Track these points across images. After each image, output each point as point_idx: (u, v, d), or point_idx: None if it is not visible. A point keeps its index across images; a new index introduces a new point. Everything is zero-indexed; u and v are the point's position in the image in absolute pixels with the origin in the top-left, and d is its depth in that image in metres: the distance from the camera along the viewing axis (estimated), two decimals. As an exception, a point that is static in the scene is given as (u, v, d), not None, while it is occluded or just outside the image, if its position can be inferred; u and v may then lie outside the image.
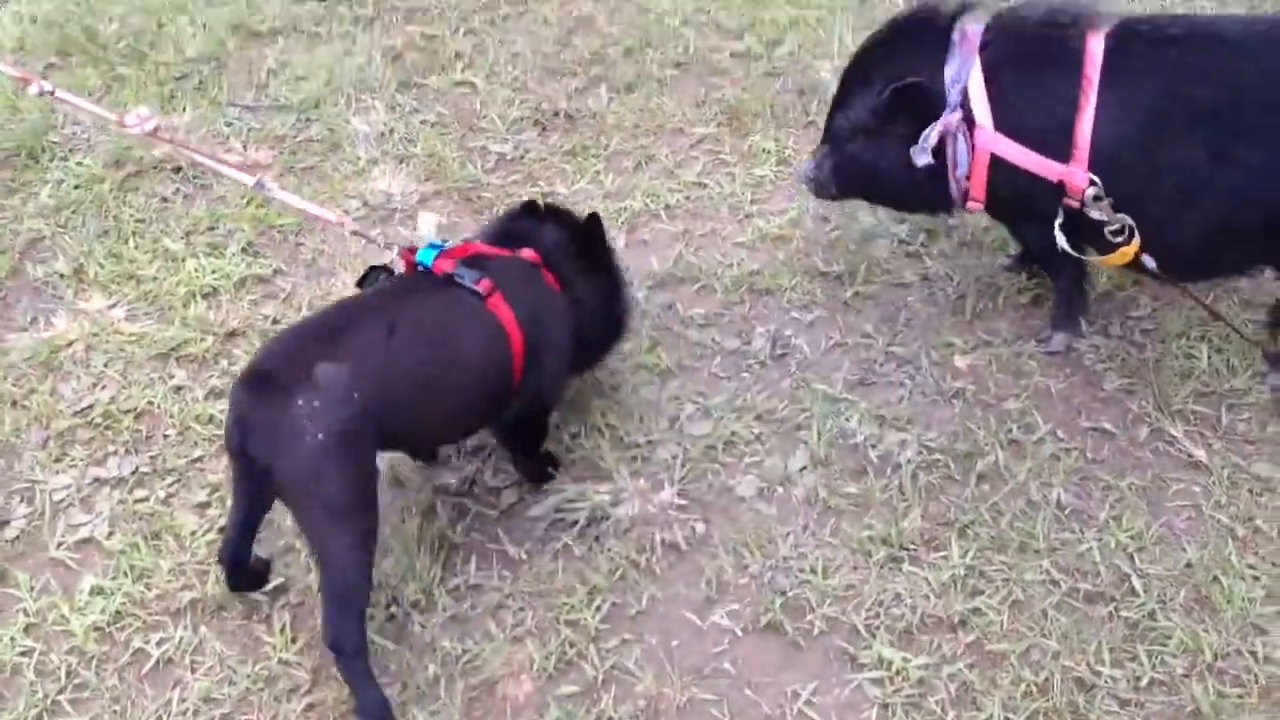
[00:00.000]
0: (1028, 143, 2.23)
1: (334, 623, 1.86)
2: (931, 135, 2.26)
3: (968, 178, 2.31)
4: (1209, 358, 2.48)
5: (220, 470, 2.32)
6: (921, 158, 2.27)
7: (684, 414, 2.41)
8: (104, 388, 2.49)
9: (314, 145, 3.15)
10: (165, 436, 2.40)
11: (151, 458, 2.36)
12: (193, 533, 2.21)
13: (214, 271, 2.75)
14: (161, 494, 2.29)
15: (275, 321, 2.61)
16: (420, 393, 1.96)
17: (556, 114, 3.21)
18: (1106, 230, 2.21)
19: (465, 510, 2.25)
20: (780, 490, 2.27)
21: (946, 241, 2.77)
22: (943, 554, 2.15)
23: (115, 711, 1.96)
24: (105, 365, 2.54)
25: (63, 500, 2.29)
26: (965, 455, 2.31)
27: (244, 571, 2.06)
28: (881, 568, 2.13)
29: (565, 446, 2.35)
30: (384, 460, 2.29)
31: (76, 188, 3.00)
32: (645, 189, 2.94)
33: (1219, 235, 2.23)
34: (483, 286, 2.03)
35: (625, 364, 2.51)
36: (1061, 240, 2.25)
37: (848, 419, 2.38)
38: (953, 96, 2.26)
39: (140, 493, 2.30)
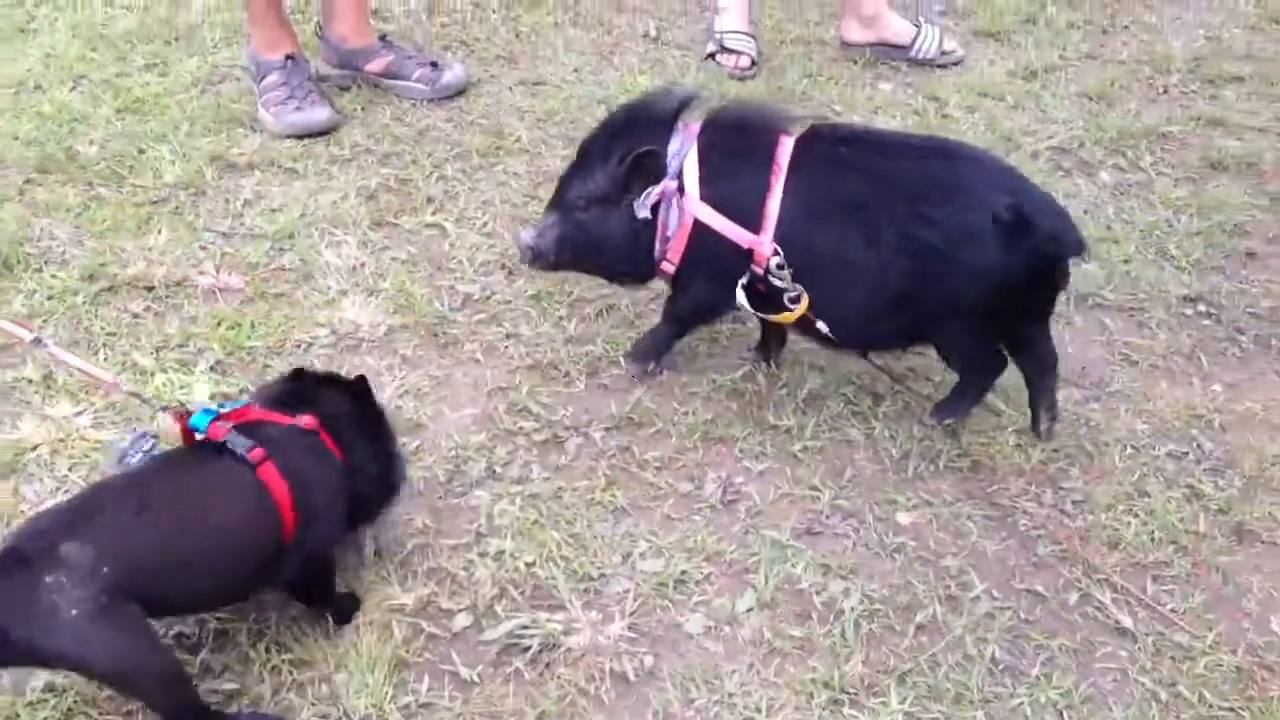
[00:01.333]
0: (726, 214, 2.62)
1: None
2: (654, 194, 2.63)
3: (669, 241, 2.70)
4: (1135, 530, 2.61)
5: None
6: (641, 211, 2.64)
7: (637, 550, 2.48)
8: (66, 491, 2.52)
9: (286, 274, 3.24)
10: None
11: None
12: (148, 638, 2.23)
13: (181, 387, 2.80)
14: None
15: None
16: (175, 565, 1.96)
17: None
18: (785, 296, 2.62)
19: (420, 630, 2.30)
20: (727, 629, 2.34)
21: (890, 405, 2.90)
22: (882, 700, 2.22)
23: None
24: (69, 470, 2.57)
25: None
26: (905, 607, 2.41)
27: None
28: (824, 710, 2.20)
29: (521, 575, 2.41)
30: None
31: (50, 298, 3.06)
32: (606, 336, 3.07)
33: (873, 310, 2.62)
34: (254, 456, 2.05)
35: (581, 500, 2.59)
36: (741, 298, 2.67)
37: (794, 565, 2.47)
38: (672, 168, 2.65)
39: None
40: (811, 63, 4.59)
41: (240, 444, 2.05)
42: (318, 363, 2.87)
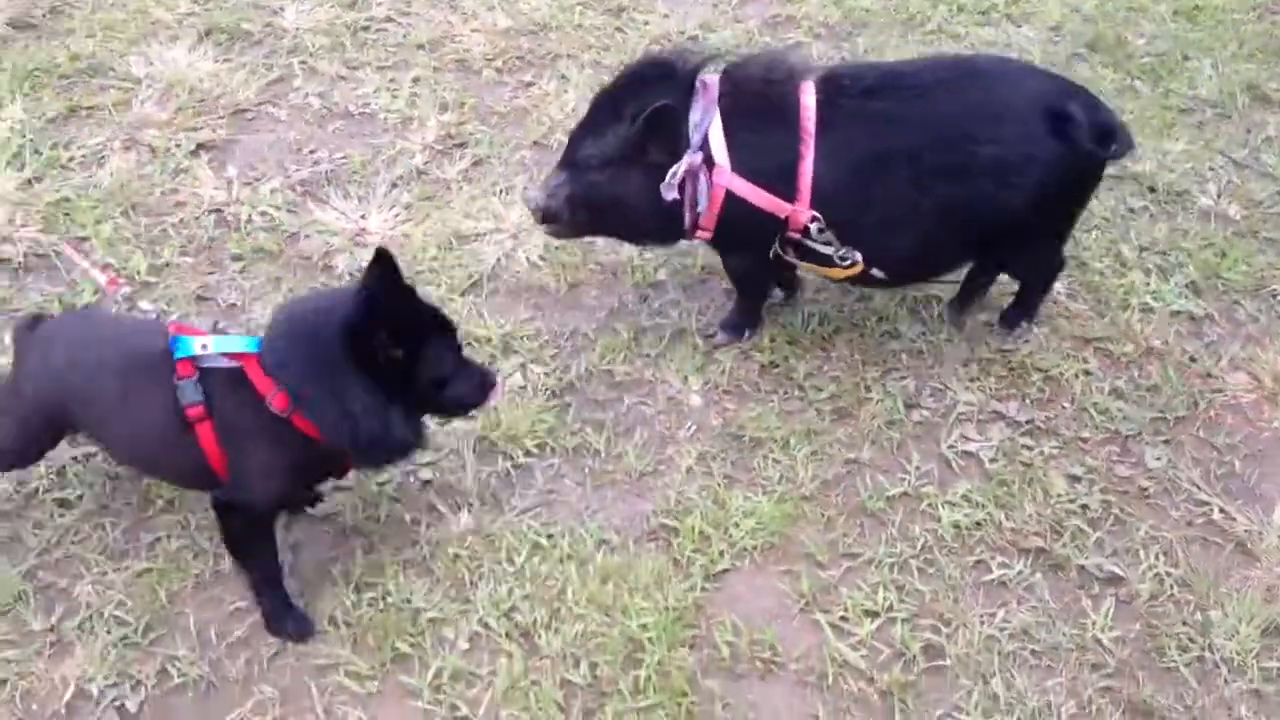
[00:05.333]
0: (759, 184, 2.47)
1: None
2: (679, 172, 2.44)
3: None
4: None
5: (1100, 458, 2.54)
6: (669, 193, 2.46)
7: None
8: (1034, 344, 2.81)
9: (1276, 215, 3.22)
10: (1063, 408, 2.66)
11: (1047, 419, 2.63)
12: (1059, 495, 2.47)
13: (1151, 293, 2.94)
14: (1045, 452, 2.56)
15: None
16: (99, 430, 2.16)
17: None
18: (835, 255, 2.50)
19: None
20: None
21: None
22: None
23: (950, 597, 2.29)
24: (1035, 326, 2.86)
25: (965, 414, 2.64)
26: None
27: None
28: None
29: None
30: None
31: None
32: None
33: (927, 247, 2.55)
34: (192, 414, 2.02)
35: None
36: (779, 253, 2.56)
37: None
38: (695, 139, 2.46)
39: (1026, 441, 2.59)
40: None
41: (187, 393, 2.03)
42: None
